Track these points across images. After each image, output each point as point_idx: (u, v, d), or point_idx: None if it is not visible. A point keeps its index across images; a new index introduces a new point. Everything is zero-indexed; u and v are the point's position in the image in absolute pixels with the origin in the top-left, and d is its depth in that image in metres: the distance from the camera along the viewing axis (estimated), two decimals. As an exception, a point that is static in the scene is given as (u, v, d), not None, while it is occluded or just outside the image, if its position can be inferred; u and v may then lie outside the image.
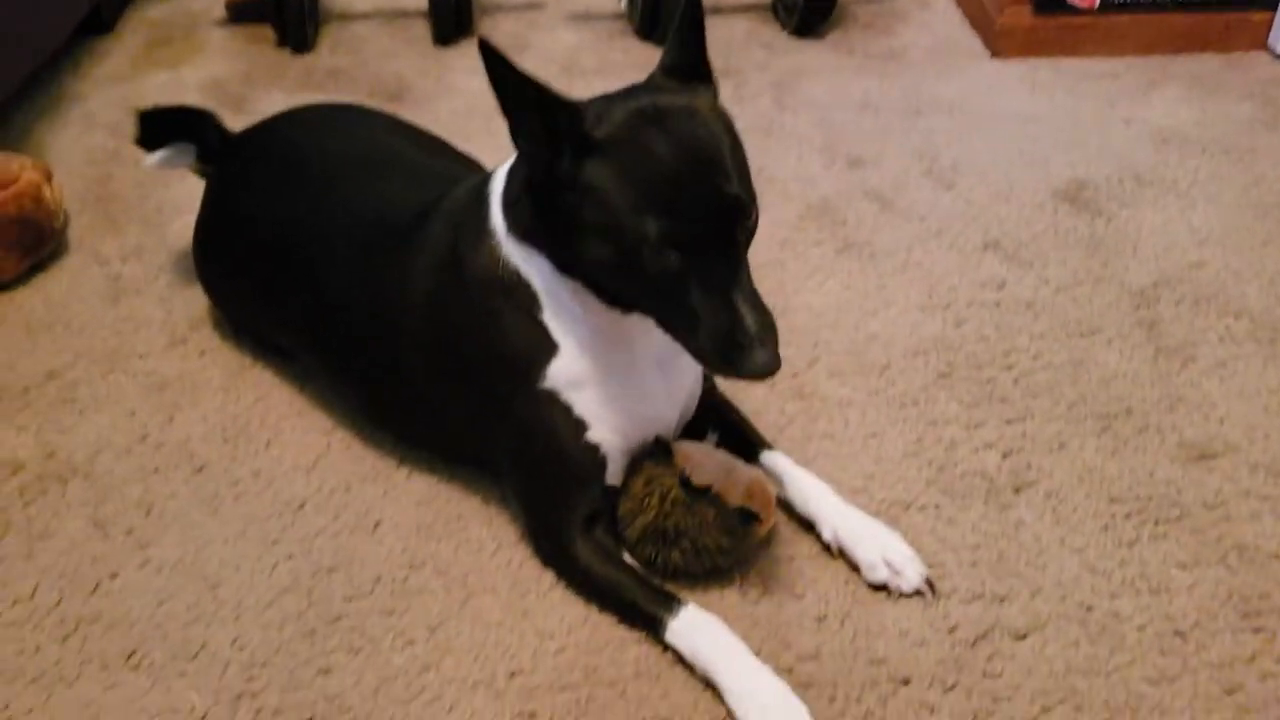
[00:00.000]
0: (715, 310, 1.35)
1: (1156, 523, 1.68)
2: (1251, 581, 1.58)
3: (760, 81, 2.99)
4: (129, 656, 1.51)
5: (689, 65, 1.45)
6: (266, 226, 1.88)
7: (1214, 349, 2.03)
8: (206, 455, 1.82)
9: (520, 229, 1.51)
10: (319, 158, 1.91)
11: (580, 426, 1.54)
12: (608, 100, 1.41)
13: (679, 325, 1.40)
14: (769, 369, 1.35)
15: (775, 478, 1.67)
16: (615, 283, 1.44)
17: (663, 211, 1.33)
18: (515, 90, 1.35)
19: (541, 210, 1.46)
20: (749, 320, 1.34)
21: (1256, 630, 1.51)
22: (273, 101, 2.84)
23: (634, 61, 3.10)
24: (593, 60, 3.14)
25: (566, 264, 1.48)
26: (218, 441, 1.85)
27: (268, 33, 3.21)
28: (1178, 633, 1.51)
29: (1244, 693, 1.43)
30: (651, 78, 1.47)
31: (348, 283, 1.74)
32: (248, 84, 3.01)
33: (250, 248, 1.91)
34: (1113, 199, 2.49)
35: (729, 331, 1.34)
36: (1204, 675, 1.45)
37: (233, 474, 1.79)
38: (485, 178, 1.61)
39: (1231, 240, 2.35)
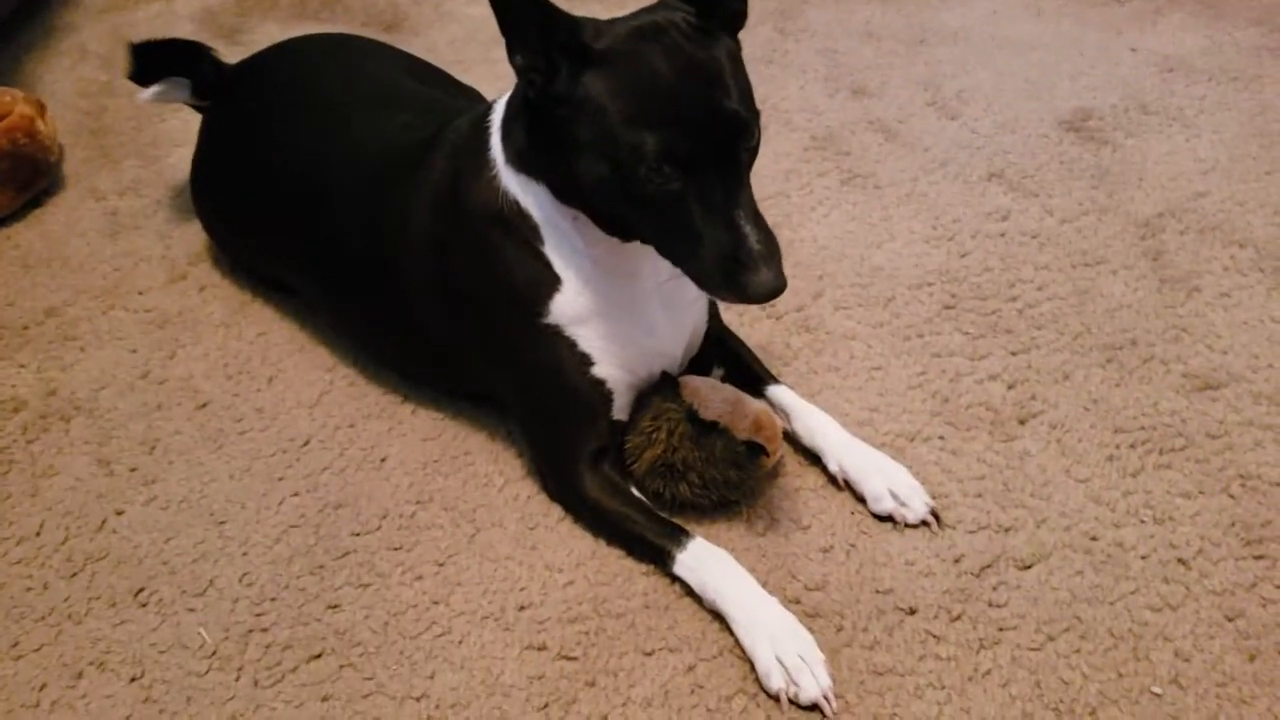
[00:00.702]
0: (717, 230, 1.33)
1: (1160, 453, 1.68)
2: (1254, 510, 1.59)
3: (762, 8, 2.94)
4: (137, 593, 1.52)
5: None
6: (265, 162, 1.85)
7: (1218, 279, 2.02)
8: (209, 392, 1.82)
9: (518, 157, 1.49)
10: (317, 91, 1.89)
11: (585, 361, 1.53)
12: (609, 21, 1.39)
13: (680, 248, 1.37)
14: (775, 289, 1.32)
15: (781, 411, 1.67)
16: (614, 204, 1.41)
17: (660, 125, 1.30)
18: (513, 2, 1.32)
19: (538, 131, 1.43)
20: (752, 239, 1.32)
21: (1258, 558, 1.52)
22: (266, 32, 2.80)
23: (632, -11, 3.05)
24: (590, -13, 3.09)
25: (564, 189, 1.46)
26: (220, 378, 1.85)
27: (258, -39, 3.15)
28: (1181, 561, 1.52)
29: (1245, 619, 1.44)
30: (665, 1, 1.43)
31: (349, 217, 1.72)
32: (241, 13, 2.96)
33: (249, 184, 1.89)
34: (1118, 128, 2.47)
35: (731, 252, 1.32)
36: (1206, 603, 1.47)
37: (236, 410, 1.79)
38: (486, 109, 1.59)
39: (1236, 170, 2.32)
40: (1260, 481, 1.63)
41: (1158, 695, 1.35)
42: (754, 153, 1.38)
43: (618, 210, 1.42)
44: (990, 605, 1.47)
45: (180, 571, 1.54)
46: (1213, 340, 1.88)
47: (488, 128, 1.54)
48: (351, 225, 1.72)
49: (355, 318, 1.82)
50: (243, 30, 2.87)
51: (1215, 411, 1.75)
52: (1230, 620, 1.44)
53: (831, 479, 1.63)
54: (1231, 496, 1.61)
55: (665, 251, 1.40)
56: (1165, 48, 2.78)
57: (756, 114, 1.38)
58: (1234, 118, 2.50)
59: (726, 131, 1.33)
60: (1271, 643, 1.41)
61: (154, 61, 2.05)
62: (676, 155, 1.31)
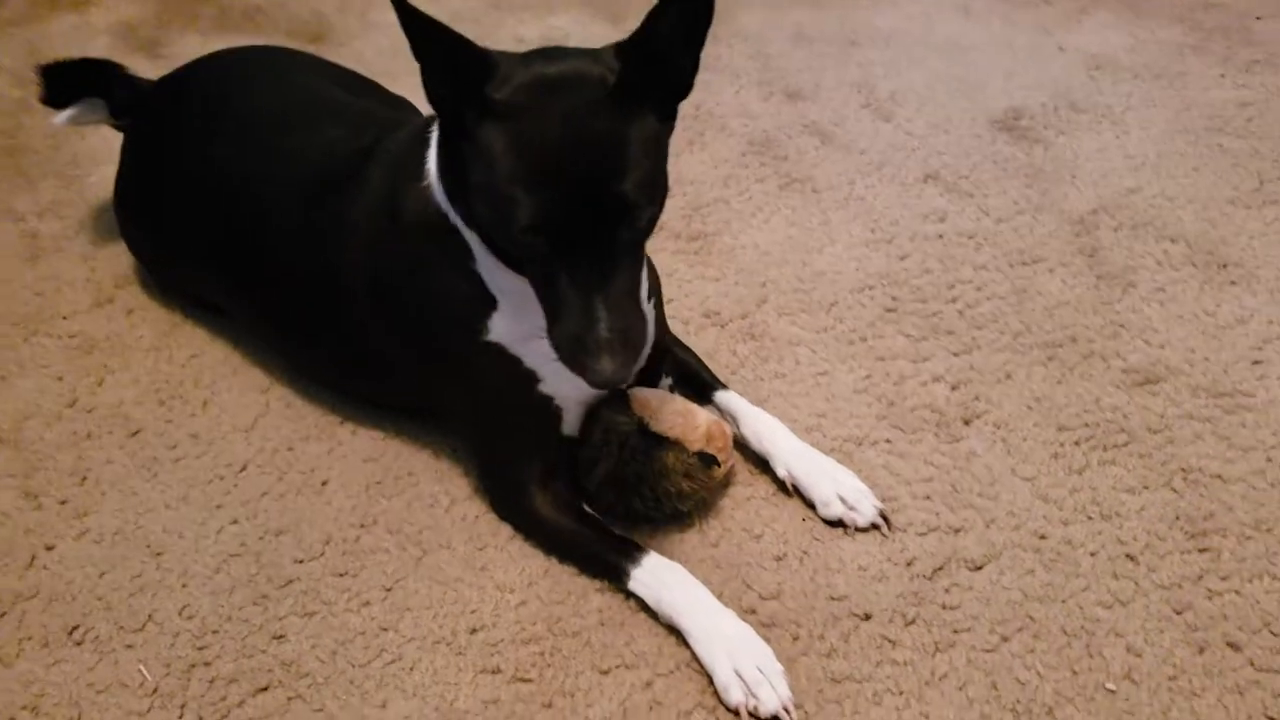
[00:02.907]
0: (574, 308, 1.28)
1: (1104, 449, 1.70)
2: (1196, 503, 1.61)
3: (692, 14, 2.93)
4: (71, 631, 1.46)
5: (650, 56, 1.28)
6: (192, 179, 1.80)
7: (1152, 274, 2.05)
8: (141, 418, 1.76)
9: (441, 172, 1.46)
10: (244, 105, 1.83)
11: (531, 379, 1.51)
12: (526, 60, 1.31)
13: (545, 307, 1.33)
14: (612, 381, 1.30)
15: (729, 416, 1.66)
16: (498, 247, 1.40)
17: (537, 192, 1.24)
18: (426, 38, 1.25)
19: (449, 156, 1.40)
20: (602, 327, 1.27)
21: (1203, 550, 1.54)
22: (187, 45, 2.74)
23: (563, -4, 3.03)
24: (521, -7, 3.07)
25: (467, 218, 1.43)
26: (152, 404, 1.79)
27: (178, -28, 3.07)
28: (1129, 556, 1.53)
29: (1193, 612, 1.46)
30: (602, 51, 1.34)
31: (284, 233, 1.67)
32: (160, 26, 2.89)
33: (176, 203, 1.83)
34: (1049, 127, 2.50)
35: (581, 334, 1.28)
36: (1155, 597, 1.48)
37: (170, 437, 1.73)
38: (427, 121, 1.55)
39: (1165, 165, 2.37)
40: (1201, 474, 1.65)
41: (1112, 691, 1.36)
42: (642, 234, 1.33)
43: (502, 253, 1.40)
44: (944, 608, 1.47)
45: (116, 607, 1.49)
46: (1150, 335, 1.91)
47: (427, 139, 1.50)
48: (286, 241, 1.67)
49: (292, 336, 1.77)
50: (163, 43, 2.79)
51: (1155, 406, 1.77)
52: (1179, 614, 1.46)
53: (781, 485, 1.62)
54: (1174, 490, 1.63)
55: (541, 303, 1.35)
56: (1092, 46, 2.83)
57: (653, 197, 1.31)
58: (1161, 114, 2.54)
59: (607, 212, 1.26)
60: (1219, 634, 1.43)
61: (66, 83, 1.98)
62: (547, 226, 1.25)
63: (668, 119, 1.35)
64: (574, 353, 1.29)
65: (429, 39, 1.25)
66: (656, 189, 1.32)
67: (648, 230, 1.34)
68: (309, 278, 1.65)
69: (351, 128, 1.72)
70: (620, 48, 1.31)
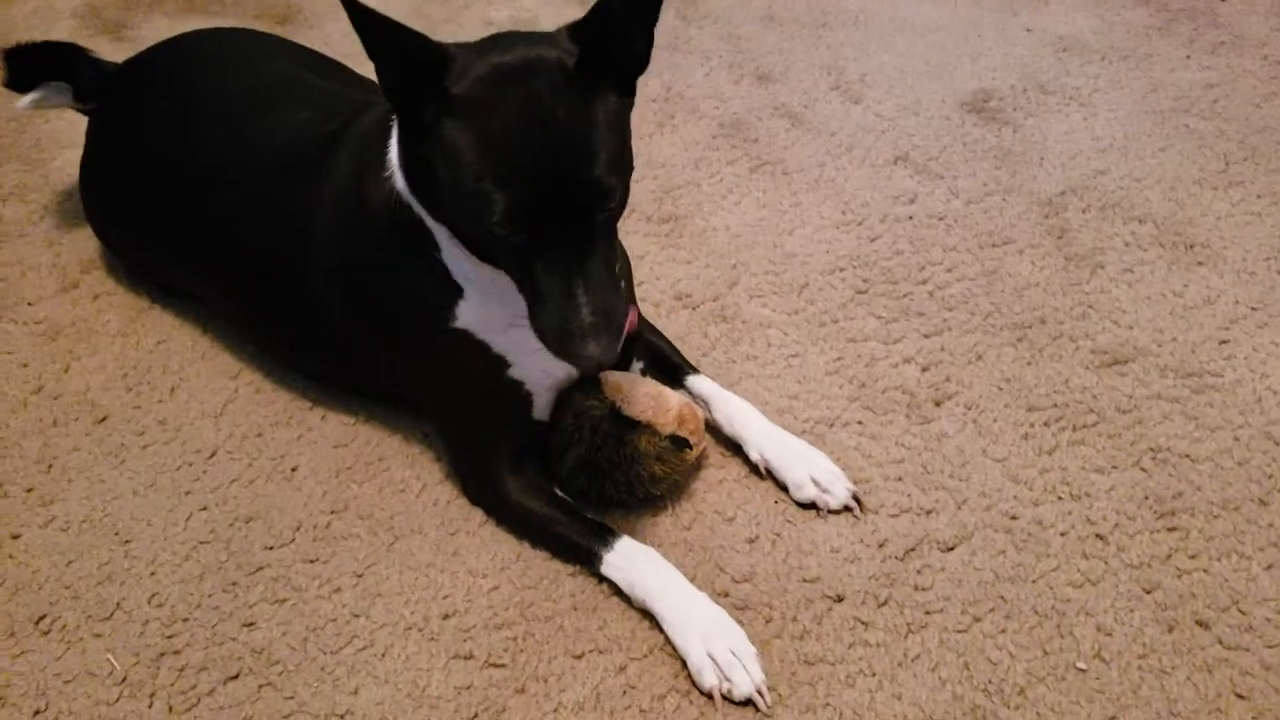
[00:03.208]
0: (555, 295, 1.29)
1: (1074, 429, 1.71)
2: (1165, 482, 1.62)
3: (663, -5, 2.92)
4: (38, 620, 1.45)
5: (605, 34, 1.28)
6: (159, 163, 1.78)
7: (1121, 255, 2.07)
8: (108, 405, 1.74)
9: (402, 164, 1.44)
10: (210, 88, 1.81)
11: (501, 364, 1.50)
12: (481, 50, 1.30)
13: (527, 297, 1.34)
14: (600, 364, 1.32)
15: (701, 400, 1.66)
16: (470, 241, 1.39)
17: (510, 186, 1.24)
18: (378, 37, 1.23)
19: (410, 153, 1.39)
20: (585, 311, 1.28)
21: (1171, 529, 1.55)
22: (154, 27, 2.70)
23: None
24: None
25: (435, 213, 1.42)
26: (119, 390, 1.77)
27: (141, -47, 3.02)
28: (1099, 536, 1.55)
29: (1162, 591, 1.47)
30: (555, 33, 1.34)
31: (252, 216, 1.65)
32: (126, 8, 2.84)
33: (143, 186, 1.81)
34: (1018, 109, 2.50)
35: (564, 321, 1.28)
36: (1125, 576, 1.49)
37: (138, 423, 1.71)
38: (389, 107, 1.53)
39: (1132, 147, 2.38)
40: (1170, 454, 1.66)
41: (1082, 670, 1.38)
42: (614, 216, 1.33)
43: (474, 247, 1.40)
44: (916, 589, 1.48)
45: (84, 595, 1.47)
46: (1118, 316, 1.92)
47: (390, 125, 1.48)
48: (255, 224, 1.66)
49: (261, 320, 1.76)
50: (128, 26, 2.75)
51: (1124, 386, 1.78)
52: (1148, 593, 1.47)
53: (753, 468, 1.62)
54: (1143, 470, 1.64)
55: (521, 291, 1.35)
56: (1059, 28, 2.83)
57: (622, 176, 1.31)
58: (1128, 96, 2.55)
59: (581, 197, 1.26)
60: (1188, 613, 1.44)
61: (30, 66, 1.96)
62: (523, 217, 1.25)
63: (627, 95, 1.35)
64: (559, 340, 1.30)
65: (381, 38, 1.23)
66: (625, 167, 1.33)
67: (620, 209, 1.34)
68: (277, 259, 1.63)
69: (320, 110, 1.70)
70: (574, 28, 1.31)
